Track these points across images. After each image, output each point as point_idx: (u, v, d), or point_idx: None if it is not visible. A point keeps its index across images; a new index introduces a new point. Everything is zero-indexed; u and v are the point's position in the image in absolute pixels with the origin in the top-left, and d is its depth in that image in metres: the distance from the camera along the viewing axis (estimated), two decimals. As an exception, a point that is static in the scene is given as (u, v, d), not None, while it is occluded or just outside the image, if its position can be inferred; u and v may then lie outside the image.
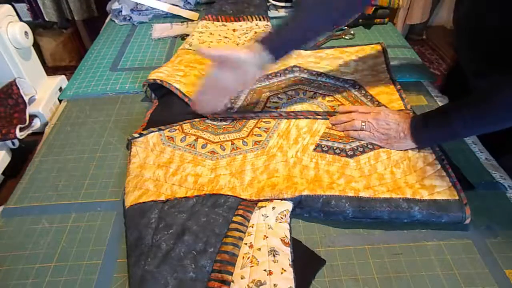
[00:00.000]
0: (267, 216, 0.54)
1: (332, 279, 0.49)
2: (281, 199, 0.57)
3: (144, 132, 0.68)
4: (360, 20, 1.08)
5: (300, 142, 0.67)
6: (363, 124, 0.66)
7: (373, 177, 0.60)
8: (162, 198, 0.58)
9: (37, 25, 1.97)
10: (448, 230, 0.55)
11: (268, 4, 1.18)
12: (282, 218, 0.54)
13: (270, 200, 0.57)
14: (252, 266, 0.48)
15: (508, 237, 0.54)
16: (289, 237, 0.52)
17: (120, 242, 0.54)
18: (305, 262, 0.51)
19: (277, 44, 0.61)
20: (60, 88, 0.91)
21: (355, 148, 0.65)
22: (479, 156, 0.67)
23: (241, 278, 0.47)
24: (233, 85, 0.65)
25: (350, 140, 0.67)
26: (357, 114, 0.68)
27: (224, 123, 0.72)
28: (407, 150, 0.64)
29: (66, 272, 0.51)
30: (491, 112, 0.55)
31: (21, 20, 0.84)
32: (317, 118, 0.72)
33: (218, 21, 1.06)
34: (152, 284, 0.46)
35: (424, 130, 0.62)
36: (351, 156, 0.64)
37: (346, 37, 1.03)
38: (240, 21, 1.07)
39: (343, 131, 0.69)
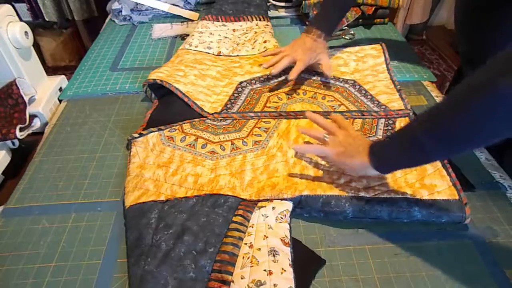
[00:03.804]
0: (267, 216, 0.54)
1: (332, 279, 0.49)
2: (281, 199, 0.57)
3: (144, 132, 0.68)
4: (360, 20, 1.08)
5: (300, 142, 0.67)
6: (325, 136, 0.59)
7: (373, 176, 0.60)
8: (162, 198, 0.58)
9: (37, 25, 1.97)
10: (448, 230, 0.55)
11: (268, 4, 1.18)
12: (282, 218, 0.54)
13: (270, 200, 0.57)
14: (252, 266, 0.48)
15: (508, 237, 0.54)
16: (289, 237, 0.52)
17: (120, 242, 0.54)
18: (305, 262, 0.51)
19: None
20: (60, 88, 0.91)
21: (355, 148, 0.65)
22: (479, 156, 0.67)
23: (241, 278, 0.47)
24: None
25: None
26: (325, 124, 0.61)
27: (224, 123, 0.72)
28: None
29: (66, 272, 0.51)
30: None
31: (21, 20, 0.83)
32: (317, 118, 0.72)
33: (218, 21, 1.06)
34: (152, 284, 0.46)
35: (384, 143, 0.52)
36: (351, 156, 0.64)
37: (346, 37, 1.03)
38: (240, 21, 1.07)
39: (304, 133, 0.65)
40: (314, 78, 0.84)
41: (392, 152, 0.50)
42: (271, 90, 0.81)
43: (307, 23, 1.10)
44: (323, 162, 0.63)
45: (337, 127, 0.59)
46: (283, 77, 0.84)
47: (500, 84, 0.36)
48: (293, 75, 0.76)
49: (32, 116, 0.81)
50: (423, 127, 0.45)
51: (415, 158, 0.48)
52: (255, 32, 1.01)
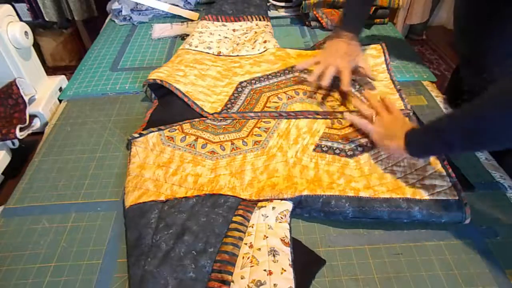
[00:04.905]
0: (267, 216, 0.54)
1: (332, 279, 0.49)
2: (281, 199, 0.57)
3: (144, 132, 0.68)
4: (360, 20, 1.08)
5: (300, 142, 0.67)
6: (373, 117, 0.65)
7: (373, 176, 0.60)
8: (162, 198, 0.58)
9: (37, 25, 1.97)
10: (448, 230, 0.55)
11: (268, 4, 1.18)
12: (282, 218, 0.54)
13: (270, 200, 0.57)
14: (252, 266, 0.48)
15: (508, 237, 0.54)
16: (289, 237, 0.52)
17: (120, 242, 0.55)
18: (305, 262, 0.51)
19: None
20: (60, 88, 0.91)
21: (355, 148, 0.65)
22: (479, 156, 0.67)
23: (241, 278, 0.47)
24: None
25: (350, 141, 0.67)
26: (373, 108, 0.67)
27: (224, 123, 0.72)
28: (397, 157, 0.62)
29: (66, 272, 0.51)
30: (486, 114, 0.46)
31: (21, 20, 0.83)
32: (317, 118, 0.72)
33: (218, 21, 1.06)
34: (152, 284, 0.46)
35: (418, 132, 0.57)
36: (350, 156, 0.64)
37: (346, 37, 1.03)
38: (240, 21, 1.07)
39: (356, 106, 0.70)
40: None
41: (422, 141, 0.56)
42: (271, 90, 0.81)
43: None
44: (323, 162, 0.63)
45: (386, 110, 0.65)
46: (283, 77, 0.84)
47: None
48: (346, 86, 0.73)
49: (32, 116, 0.81)
50: (451, 122, 0.51)
51: (441, 149, 0.55)
52: (255, 32, 1.01)
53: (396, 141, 0.58)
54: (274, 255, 0.49)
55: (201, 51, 0.92)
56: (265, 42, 0.95)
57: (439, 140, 0.52)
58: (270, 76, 0.84)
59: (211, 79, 0.83)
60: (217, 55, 0.92)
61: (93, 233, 0.56)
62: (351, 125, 0.70)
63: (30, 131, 0.80)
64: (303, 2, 1.07)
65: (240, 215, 0.54)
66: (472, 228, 0.55)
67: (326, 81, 0.74)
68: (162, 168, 0.63)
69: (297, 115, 0.73)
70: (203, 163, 0.64)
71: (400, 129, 0.59)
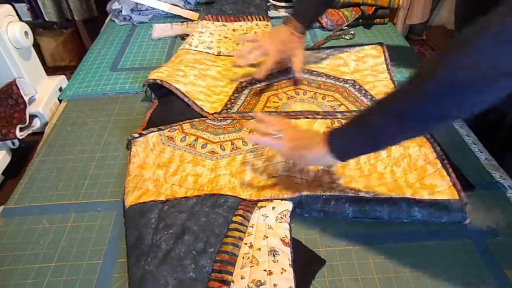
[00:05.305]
0: (267, 216, 0.54)
1: (332, 279, 0.49)
2: (281, 199, 0.57)
3: (144, 132, 0.68)
4: (360, 20, 1.08)
5: (300, 142, 0.67)
6: (276, 133, 0.57)
7: (373, 176, 0.60)
8: (162, 198, 0.58)
9: (37, 25, 1.97)
10: (448, 230, 0.55)
11: (268, 4, 1.18)
12: (282, 218, 0.54)
13: (270, 200, 0.57)
14: (252, 266, 0.48)
15: (508, 237, 0.54)
16: (289, 237, 0.52)
17: (120, 242, 0.54)
18: (305, 262, 0.51)
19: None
20: (60, 88, 0.91)
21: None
22: (479, 156, 0.67)
23: (241, 278, 0.47)
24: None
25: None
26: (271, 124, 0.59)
27: (224, 123, 0.72)
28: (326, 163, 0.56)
29: (66, 272, 0.51)
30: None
31: (21, 20, 0.83)
32: (317, 118, 0.72)
33: (218, 21, 1.06)
34: (152, 284, 0.46)
35: (341, 129, 0.51)
36: (351, 156, 0.64)
37: (346, 37, 1.03)
38: (240, 21, 1.07)
39: (253, 129, 0.64)
40: (315, 78, 0.84)
41: (349, 137, 0.50)
42: (271, 90, 0.81)
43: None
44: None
45: (287, 126, 0.58)
46: (283, 77, 0.84)
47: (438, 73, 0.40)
48: (259, 74, 0.71)
49: (32, 116, 0.81)
50: (376, 108, 0.47)
51: (370, 141, 0.48)
52: (255, 32, 1.01)
53: (315, 148, 0.51)
54: (274, 255, 0.49)
55: (201, 51, 0.92)
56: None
57: (366, 132, 0.47)
58: (270, 76, 0.84)
59: (211, 79, 0.83)
60: (217, 55, 0.92)
61: (93, 233, 0.56)
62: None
63: (30, 131, 0.80)
64: (303, 2, 1.07)
65: (240, 215, 0.54)
66: (472, 228, 0.55)
67: (243, 62, 0.75)
68: (162, 168, 0.63)
69: (297, 115, 0.73)
70: (203, 163, 0.64)
71: (314, 136, 0.53)
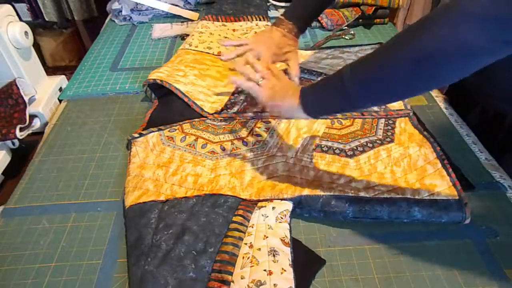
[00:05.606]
0: (267, 216, 0.54)
1: (332, 279, 0.49)
2: (281, 199, 0.57)
3: (144, 132, 0.68)
4: (360, 20, 1.08)
5: (300, 142, 0.67)
6: (259, 80, 0.59)
7: (373, 176, 0.60)
8: (162, 198, 0.58)
9: (37, 25, 1.97)
10: (448, 230, 0.55)
11: (268, 4, 1.18)
12: (282, 218, 0.54)
13: (270, 200, 0.57)
14: (252, 266, 0.48)
15: (508, 237, 0.54)
16: (289, 237, 0.52)
17: (120, 242, 0.54)
18: (305, 262, 0.51)
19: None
20: (60, 88, 0.91)
21: (355, 148, 0.65)
22: (479, 156, 0.67)
23: (241, 278, 0.47)
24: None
25: (350, 140, 0.67)
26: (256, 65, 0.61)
27: (224, 123, 0.72)
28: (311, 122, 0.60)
29: (66, 272, 0.51)
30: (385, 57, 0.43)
31: (21, 20, 0.83)
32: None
33: (218, 21, 1.06)
34: (152, 284, 0.46)
35: (314, 85, 0.53)
36: (350, 156, 0.64)
37: (346, 37, 1.03)
38: (240, 21, 1.07)
39: (237, 69, 0.64)
40: (315, 78, 0.84)
41: (320, 94, 0.52)
42: (271, 90, 0.81)
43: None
44: (323, 162, 0.63)
45: (271, 74, 0.60)
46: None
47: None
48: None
49: (32, 116, 0.81)
50: (349, 70, 0.47)
51: (340, 102, 0.50)
52: (255, 32, 1.01)
53: (289, 99, 0.54)
54: (274, 255, 0.49)
55: (201, 51, 0.92)
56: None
57: (337, 90, 0.48)
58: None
59: (211, 79, 0.83)
60: (217, 55, 0.92)
61: (93, 233, 0.56)
62: (351, 125, 0.70)
63: (30, 131, 0.80)
64: (303, 2, 1.07)
65: (240, 215, 0.54)
66: (472, 228, 0.55)
67: (238, 68, 0.65)
68: (162, 168, 0.63)
69: (297, 115, 0.72)
70: (203, 163, 0.64)
71: (292, 88, 0.55)
